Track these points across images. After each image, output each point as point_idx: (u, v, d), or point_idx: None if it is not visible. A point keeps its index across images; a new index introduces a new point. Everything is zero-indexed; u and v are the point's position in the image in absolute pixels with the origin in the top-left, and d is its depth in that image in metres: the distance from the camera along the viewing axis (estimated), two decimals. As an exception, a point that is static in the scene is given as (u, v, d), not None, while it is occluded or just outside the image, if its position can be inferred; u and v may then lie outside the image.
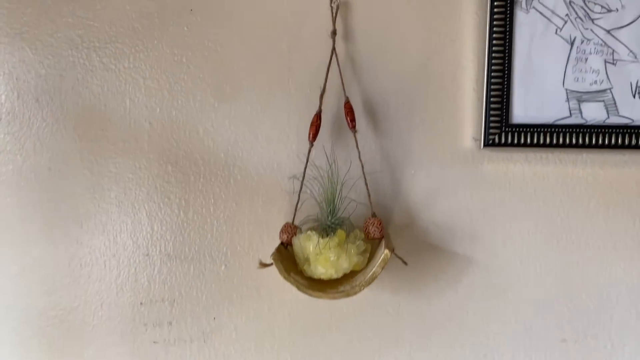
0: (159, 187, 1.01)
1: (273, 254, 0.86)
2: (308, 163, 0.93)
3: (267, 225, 1.00)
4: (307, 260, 0.87)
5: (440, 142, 0.97)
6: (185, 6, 0.99)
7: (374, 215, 0.92)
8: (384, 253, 0.82)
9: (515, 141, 0.93)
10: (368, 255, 0.90)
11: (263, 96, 0.99)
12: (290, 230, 0.91)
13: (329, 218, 0.89)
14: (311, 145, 0.93)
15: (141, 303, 1.03)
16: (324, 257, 0.84)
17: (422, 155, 0.97)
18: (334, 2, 0.95)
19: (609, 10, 0.91)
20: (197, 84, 1.00)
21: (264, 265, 0.90)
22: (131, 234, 1.02)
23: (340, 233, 0.87)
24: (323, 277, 0.86)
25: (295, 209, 0.93)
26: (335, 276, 0.86)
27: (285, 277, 0.84)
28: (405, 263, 0.90)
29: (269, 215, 0.99)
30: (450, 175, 0.97)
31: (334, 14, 0.94)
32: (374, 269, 0.83)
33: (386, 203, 0.98)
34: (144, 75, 1.00)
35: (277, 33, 0.98)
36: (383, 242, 0.87)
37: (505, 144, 0.93)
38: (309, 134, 0.93)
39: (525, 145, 0.93)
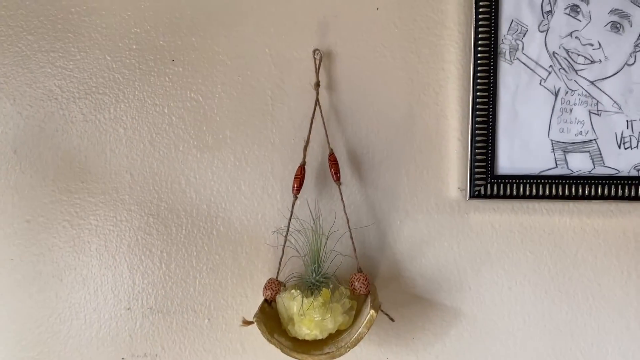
0: (141, 240, 0.99)
1: (256, 315, 0.84)
2: (292, 216, 0.92)
3: (251, 279, 0.98)
4: (291, 320, 0.85)
5: (426, 192, 0.96)
6: (167, 56, 0.98)
7: (359, 270, 0.90)
8: (369, 314, 0.80)
9: (502, 192, 0.92)
10: (354, 313, 0.88)
11: (246, 147, 0.97)
12: (274, 286, 0.90)
13: (314, 276, 0.87)
14: (295, 198, 0.92)
15: (123, 358, 1.00)
16: (308, 318, 0.83)
17: (408, 205, 0.96)
18: (317, 54, 0.94)
19: (593, 62, 0.91)
20: (179, 134, 0.98)
21: (247, 323, 0.88)
22: (112, 287, 0.99)
23: (325, 292, 0.85)
24: (307, 338, 0.84)
25: (280, 264, 0.92)
26: (320, 337, 0.84)
27: (268, 340, 0.82)
28: (392, 320, 0.89)
29: (252, 268, 0.98)
30: (436, 226, 0.96)
31: (317, 65, 0.94)
32: (359, 330, 0.81)
33: (372, 255, 0.96)
34: (124, 126, 0.99)
35: (260, 84, 0.97)
36: (369, 300, 0.86)
37: (492, 196, 0.93)
38: (293, 187, 0.92)
39: (511, 196, 0.93)
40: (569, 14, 0.91)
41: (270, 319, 0.87)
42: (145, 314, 0.99)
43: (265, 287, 0.90)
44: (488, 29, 0.91)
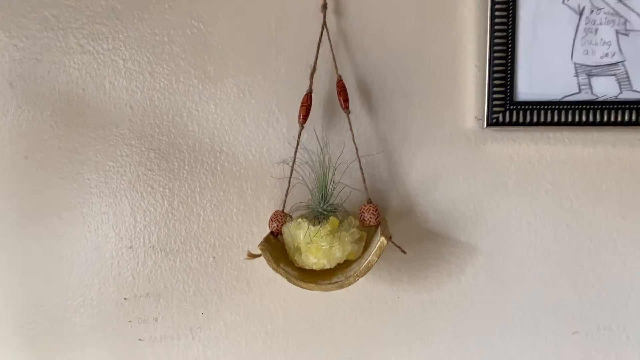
0: (142, 176, 0.95)
1: (261, 244, 0.80)
2: (298, 147, 0.87)
3: (257, 214, 0.94)
4: (297, 249, 0.81)
5: (440, 122, 0.91)
6: (166, -18, 0.93)
7: (369, 201, 0.86)
8: (379, 240, 0.76)
9: (521, 120, 0.87)
10: (363, 244, 0.83)
11: (250, 77, 0.93)
12: (280, 218, 0.85)
13: (321, 205, 0.83)
14: (301, 127, 0.87)
15: (125, 298, 0.97)
16: (315, 246, 0.78)
17: (421, 136, 0.91)
18: (324, -26, 0.88)
19: (621, -24, 0.85)
20: (180, 65, 0.93)
21: (252, 256, 0.84)
22: (113, 226, 0.96)
23: (333, 220, 0.80)
24: (315, 267, 0.80)
25: (286, 196, 0.87)
26: (328, 266, 0.80)
27: (274, 268, 0.78)
28: (403, 252, 0.84)
29: (258, 204, 0.93)
30: (451, 158, 0.91)
31: (324, -13, 0.88)
32: (369, 258, 0.77)
33: (383, 188, 0.91)
34: (123, 56, 0.94)
35: (263, 8, 0.92)
36: (379, 230, 0.81)
37: (510, 123, 0.87)
38: (299, 116, 0.87)
39: (531, 124, 0.87)
40: None
41: (277, 250, 0.83)
42: (147, 253, 0.96)
43: (271, 219, 0.86)
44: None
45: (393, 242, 0.82)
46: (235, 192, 0.94)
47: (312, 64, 0.87)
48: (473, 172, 0.91)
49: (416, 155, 0.91)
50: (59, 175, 0.96)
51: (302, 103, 0.87)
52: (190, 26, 0.93)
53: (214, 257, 0.95)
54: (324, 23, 0.88)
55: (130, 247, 0.96)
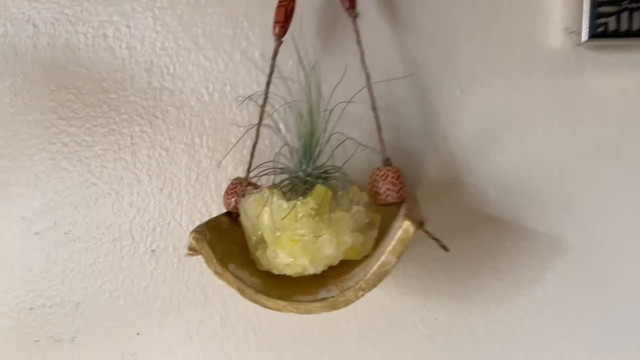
0: (51, 128, 0.63)
1: (196, 231, 0.47)
2: (273, 72, 0.53)
3: (216, 185, 0.61)
4: (261, 242, 0.48)
5: (506, 38, 0.56)
6: None
7: (387, 162, 0.51)
8: (403, 228, 0.42)
9: (647, 27, 0.51)
10: (375, 233, 0.49)
11: (204, -30, 0.59)
12: (241, 190, 0.52)
13: (303, 167, 0.49)
14: (278, 42, 0.53)
15: (31, 308, 0.66)
16: (288, 234, 0.45)
17: (476, 61, 0.56)
18: None
19: None
20: (102, -45, 0.61)
21: (195, 250, 0.50)
22: (13, 202, 0.65)
23: (320, 190, 0.46)
24: (288, 272, 0.46)
25: (252, 155, 0.54)
26: (311, 270, 0.46)
27: (217, 272, 0.45)
28: (444, 248, 0.49)
29: (218, 170, 0.61)
30: (524, 95, 0.56)
31: None
32: (384, 258, 0.43)
33: (411, 146, 0.57)
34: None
35: None
36: (403, 210, 0.47)
37: (625, 34, 0.51)
38: (274, 24, 0.53)
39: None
40: None
41: (230, 242, 0.50)
42: (59, 242, 0.64)
43: (227, 193, 0.53)
44: None
45: (427, 232, 0.47)
46: (184, 151, 0.61)
47: (297, -58, 0.53)
48: (559, 120, 0.56)
49: (467, 92, 0.57)
50: None
51: (279, 2, 0.53)
52: None
53: (153, 251, 0.63)
54: None
55: (36, 234, 0.65)
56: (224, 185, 0.59)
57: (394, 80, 0.57)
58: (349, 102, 0.53)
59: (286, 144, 0.52)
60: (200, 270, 0.62)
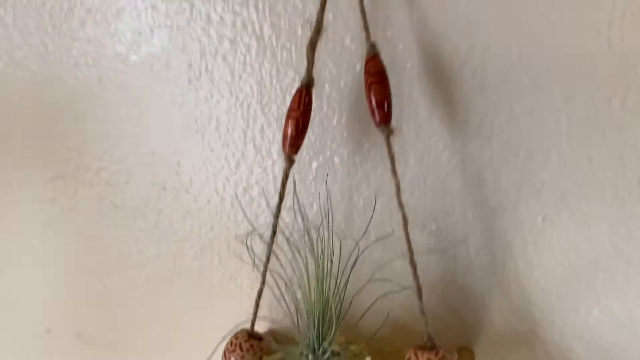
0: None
1: None
2: (282, 204, 0.41)
3: (216, 324, 0.50)
4: None
5: (617, 146, 0.39)
6: None
7: (429, 344, 0.38)
8: None
9: None
10: None
11: (210, 46, 0.46)
12: (242, 350, 0.41)
13: (314, 347, 0.37)
14: (289, 162, 0.40)
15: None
16: None
17: (565, 182, 0.40)
18: None
19: None
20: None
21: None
22: None
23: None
24: None
25: (256, 307, 0.42)
26: None
27: None
28: None
29: (220, 304, 0.50)
30: (629, 229, 0.40)
31: None
32: None
33: (471, 282, 0.43)
34: None
35: None
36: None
37: None
38: (284, 138, 0.40)
39: None
40: None
41: None
42: None
43: (226, 351, 0.42)
44: None
45: None
46: (180, 271, 0.51)
47: (313, 22, 0.39)
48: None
49: (552, 220, 0.41)
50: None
51: (289, 110, 0.39)
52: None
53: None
54: None
55: None
56: (227, 324, 0.47)
57: (450, 199, 0.42)
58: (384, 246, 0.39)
59: (296, 311, 0.40)
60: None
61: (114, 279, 0.53)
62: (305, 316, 0.37)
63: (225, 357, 0.42)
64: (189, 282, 0.51)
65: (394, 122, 0.38)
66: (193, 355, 0.51)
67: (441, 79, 0.41)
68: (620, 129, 0.38)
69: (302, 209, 0.42)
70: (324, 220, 0.39)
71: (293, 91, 0.39)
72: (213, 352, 0.43)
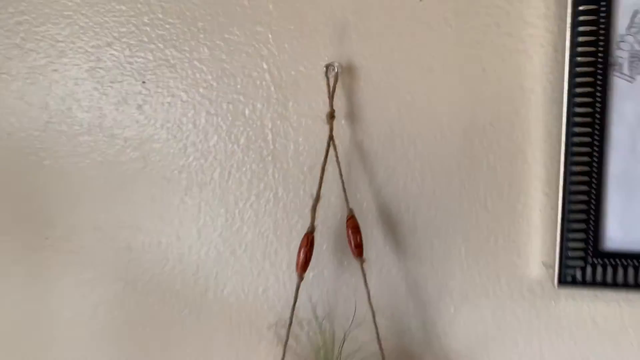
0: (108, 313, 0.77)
1: None
2: (296, 303, 0.65)
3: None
4: None
5: (493, 268, 0.66)
6: (138, 78, 0.73)
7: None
8: None
9: (609, 279, 0.61)
10: None
11: (241, 198, 0.72)
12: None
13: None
14: (300, 279, 0.65)
15: None
16: None
17: (467, 286, 0.67)
18: (332, 70, 0.65)
19: None
20: (155, 180, 0.74)
21: None
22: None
23: None
24: None
25: (279, 367, 0.66)
26: None
27: None
28: None
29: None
30: (508, 316, 0.67)
31: (331, 87, 0.65)
32: None
33: (414, 351, 0.68)
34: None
35: (255, 112, 0.70)
36: None
37: (593, 283, 0.61)
38: (297, 263, 0.65)
39: (625, 285, 0.60)
40: None
41: None
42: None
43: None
44: (595, 27, 0.58)
45: None
46: (224, 342, 0.74)
47: (315, 193, 0.65)
48: (539, 339, 0.66)
49: (459, 310, 0.67)
50: None
51: (300, 245, 0.65)
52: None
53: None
54: (331, 136, 0.65)
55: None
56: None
57: (399, 297, 0.68)
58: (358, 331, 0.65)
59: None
60: None
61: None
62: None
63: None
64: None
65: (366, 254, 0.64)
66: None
67: (389, 224, 0.67)
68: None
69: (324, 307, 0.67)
70: (323, 321, 0.64)
71: (298, 228, 0.66)
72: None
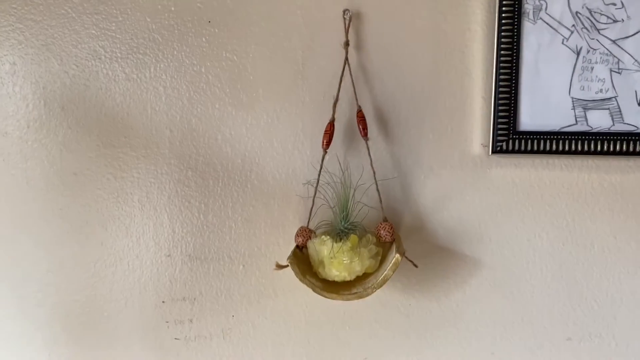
0: (180, 192, 1.06)
1: (289, 257, 0.91)
2: (322, 169, 0.97)
3: (283, 228, 1.04)
4: (321, 263, 0.91)
5: (449, 148, 1.01)
6: (204, 18, 1.03)
7: (385, 219, 0.96)
8: (395, 257, 0.86)
9: (522, 148, 0.97)
10: (380, 258, 0.94)
11: (278, 105, 1.03)
12: (306, 233, 0.96)
13: (342, 223, 0.93)
14: (325, 152, 0.97)
15: (163, 302, 1.08)
16: (337, 260, 0.89)
17: (432, 161, 1.01)
18: (347, 14, 0.98)
19: (615, 21, 0.94)
20: (216, 93, 1.04)
21: (280, 266, 0.94)
22: (153, 236, 1.07)
23: (353, 238, 0.91)
24: (337, 279, 0.90)
25: (310, 214, 0.98)
26: (348, 278, 0.91)
27: (301, 280, 0.89)
28: (415, 265, 0.94)
29: (284, 219, 1.04)
30: (459, 181, 1.01)
31: (346, 25, 0.98)
32: (385, 272, 0.87)
33: (397, 207, 1.02)
34: (164, 84, 1.04)
35: (291, 44, 1.01)
36: (394, 246, 0.91)
37: (513, 151, 0.97)
38: (323, 142, 0.97)
39: (532, 152, 0.97)
40: (592, -26, 0.94)
41: (302, 262, 0.94)
42: (184, 261, 1.06)
43: (297, 234, 0.97)
44: (513, -10, 0.94)
45: (406, 257, 0.92)
46: (264, 207, 1.04)
47: (335, 95, 0.97)
48: (479, 194, 1.01)
49: (427, 177, 1.01)
50: (104, 190, 1.07)
51: (325, 131, 0.97)
52: (225, 58, 1.03)
53: (243, 266, 1.06)
54: (346, 58, 0.98)
55: (168, 256, 1.07)
56: (288, 228, 1.02)
57: (388, 176, 1.01)
58: (366, 189, 0.97)
59: (330, 207, 0.96)
60: (272, 278, 1.05)
61: (219, 219, 1.05)
62: (337, 208, 0.94)
63: (297, 237, 0.96)
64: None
65: (369, 136, 0.97)
66: (280, 241, 1.04)
67: (382, 118, 1.01)
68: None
69: (341, 168, 0.99)
70: (344, 172, 0.96)
71: (319, 125, 0.98)
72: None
